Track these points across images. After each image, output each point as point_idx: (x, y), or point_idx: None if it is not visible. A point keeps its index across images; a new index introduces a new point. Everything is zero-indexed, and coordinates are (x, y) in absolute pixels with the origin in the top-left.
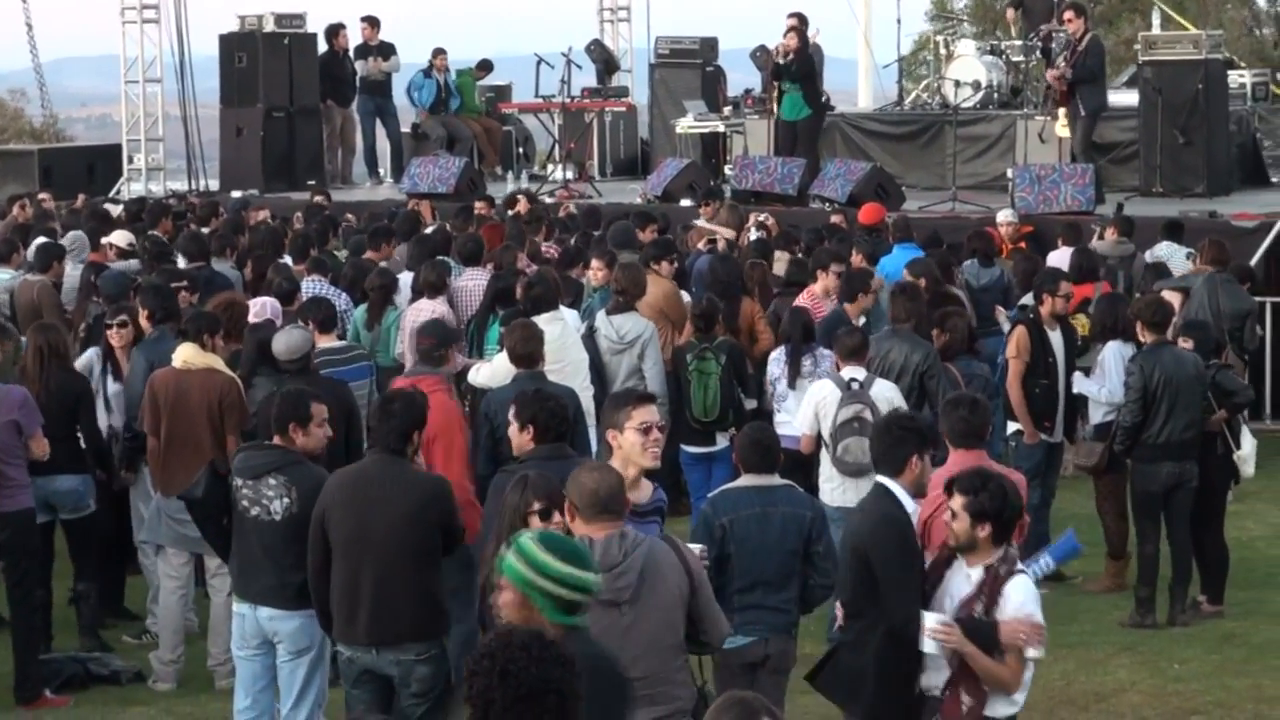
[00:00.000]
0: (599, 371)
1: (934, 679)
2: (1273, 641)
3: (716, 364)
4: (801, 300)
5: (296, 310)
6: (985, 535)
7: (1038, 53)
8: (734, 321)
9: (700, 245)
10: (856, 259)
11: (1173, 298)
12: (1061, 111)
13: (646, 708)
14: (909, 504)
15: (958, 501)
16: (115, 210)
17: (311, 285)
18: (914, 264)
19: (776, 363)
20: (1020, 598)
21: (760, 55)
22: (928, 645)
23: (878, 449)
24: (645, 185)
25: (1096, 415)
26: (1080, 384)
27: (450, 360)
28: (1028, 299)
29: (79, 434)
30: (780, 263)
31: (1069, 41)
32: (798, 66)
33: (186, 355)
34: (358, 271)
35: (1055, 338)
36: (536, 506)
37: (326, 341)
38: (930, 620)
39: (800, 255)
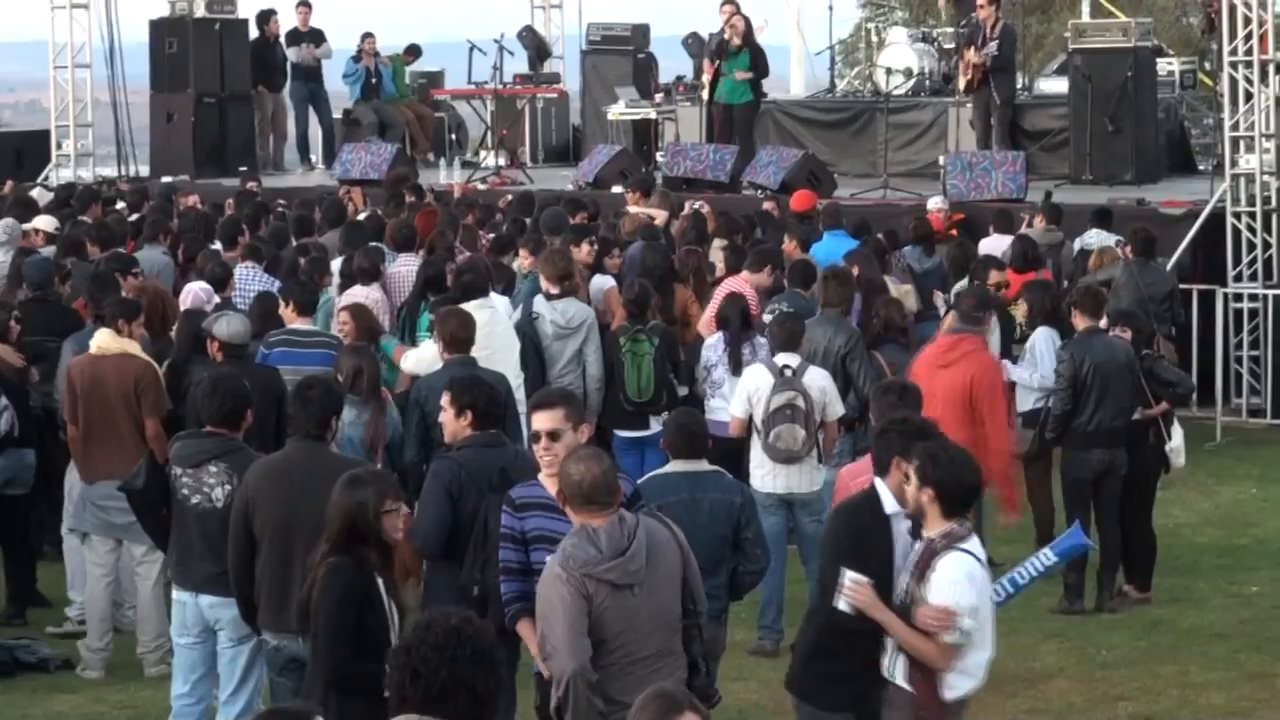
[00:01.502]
0: (539, 356)
1: (891, 663)
2: (1199, 628)
3: (650, 345)
4: (737, 286)
5: (281, 290)
6: (929, 502)
7: (961, 38)
8: (669, 311)
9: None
10: (790, 246)
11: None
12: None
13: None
14: (890, 505)
15: (912, 465)
16: (43, 197)
17: (245, 272)
18: (851, 255)
19: (713, 349)
20: (948, 575)
21: (692, 42)
22: (841, 603)
23: (874, 450)
24: (577, 172)
25: (1026, 402)
26: (1011, 371)
27: (986, 322)
28: (962, 285)
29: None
30: (716, 250)
31: (980, 28)
32: (749, 49)
33: (101, 341)
34: (297, 257)
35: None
36: (391, 505)
37: (301, 323)
38: (846, 578)
39: (740, 243)
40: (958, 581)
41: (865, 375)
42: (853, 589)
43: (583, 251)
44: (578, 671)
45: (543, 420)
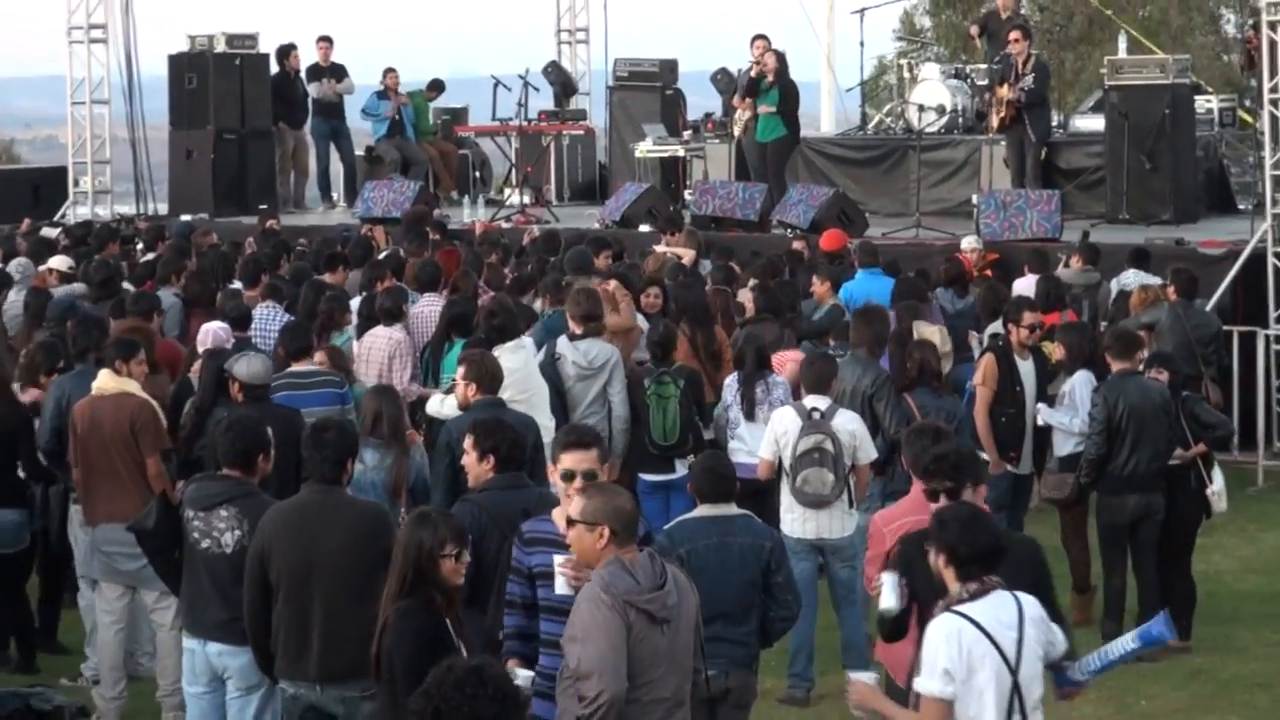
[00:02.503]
0: (561, 398)
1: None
2: (1240, 677)
3: (675, 388)
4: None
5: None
6: (944, 566)
7: (994, 75)
8: (711, 345)
9: (652, 268)
10: (821, 287)
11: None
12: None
13: None
14: None
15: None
16: (53, 234)
17: (266, 311)
18: (900, 306)
19: (729, 389)
20: (930, 635)
21: (721, 78)
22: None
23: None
24: (603, 210)
25: (1064, 446)
26: (1047, 414)
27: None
28: (996, 326)
29: (19, 467)
30: (746, 291)
31: (1012, 64)
32: (780, 86)
33: (101, 383)
34: (314, 295)
35: (1025, 367)
36: (450, 550)
37: (300, 365)
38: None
39: (770, 284)
40: (933, 642)
41: (892, 417)
42: (854, 690)
43: (612, 284)
44: (617, 695)
45: (577, 460)
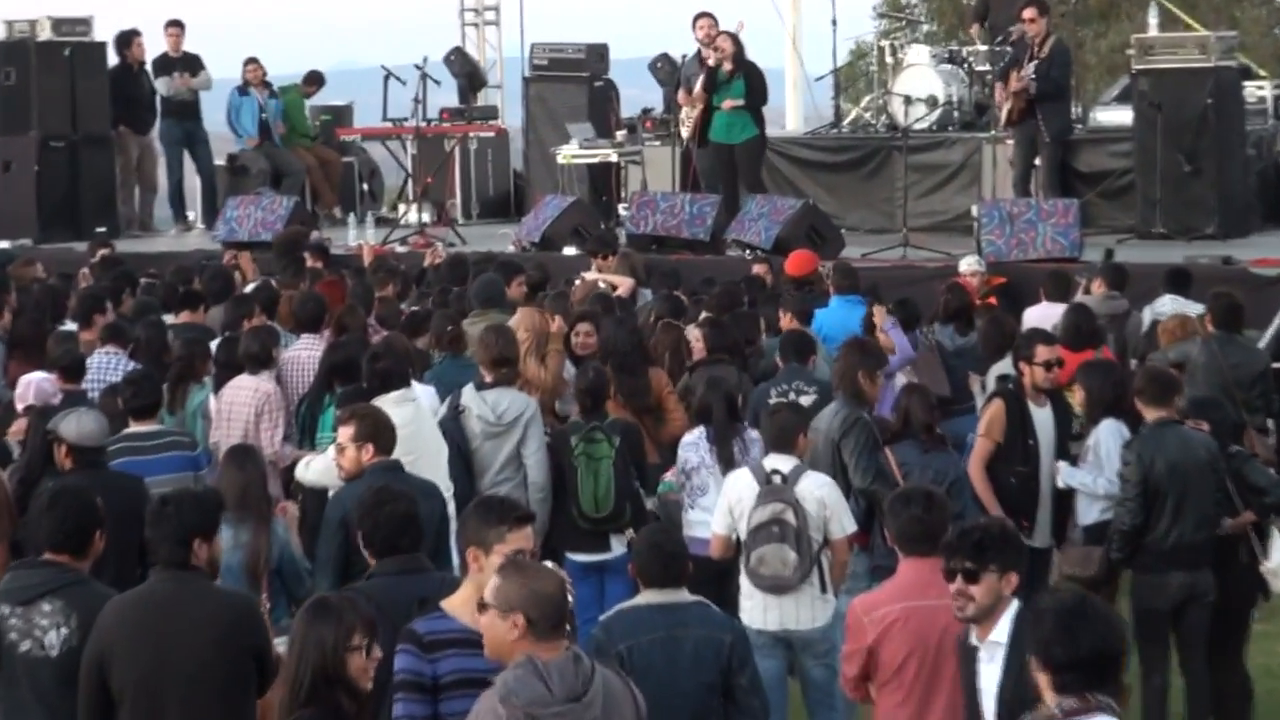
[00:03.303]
0: (466, 461)
1: None
2: None
3: (609, 446)
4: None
5: (109, 388)
6: (1037, 669)
7: (1006, 60)
8: (641, 397)
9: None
10: (787, 319)
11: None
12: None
13: None
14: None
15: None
16: None
17: (104, 358)
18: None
19: (693, 448)
20: None
21: (662, 66)
22: None
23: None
24: (519, 229)
25: (1090, 513)
26: (1068, 475)
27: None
28: (1003, 366)
29: None
30: (692, 327)
31: (1027, 46)
32: (744, 74)
33: None
34: (156, 337)
35: (1041, 416)
36: (359, 641)
37: (140, 426)
38: None
39: (720, 317)
40: None
41: (860, 465)
42: None
43: (555, 323)
44: None
45: (526, 538)
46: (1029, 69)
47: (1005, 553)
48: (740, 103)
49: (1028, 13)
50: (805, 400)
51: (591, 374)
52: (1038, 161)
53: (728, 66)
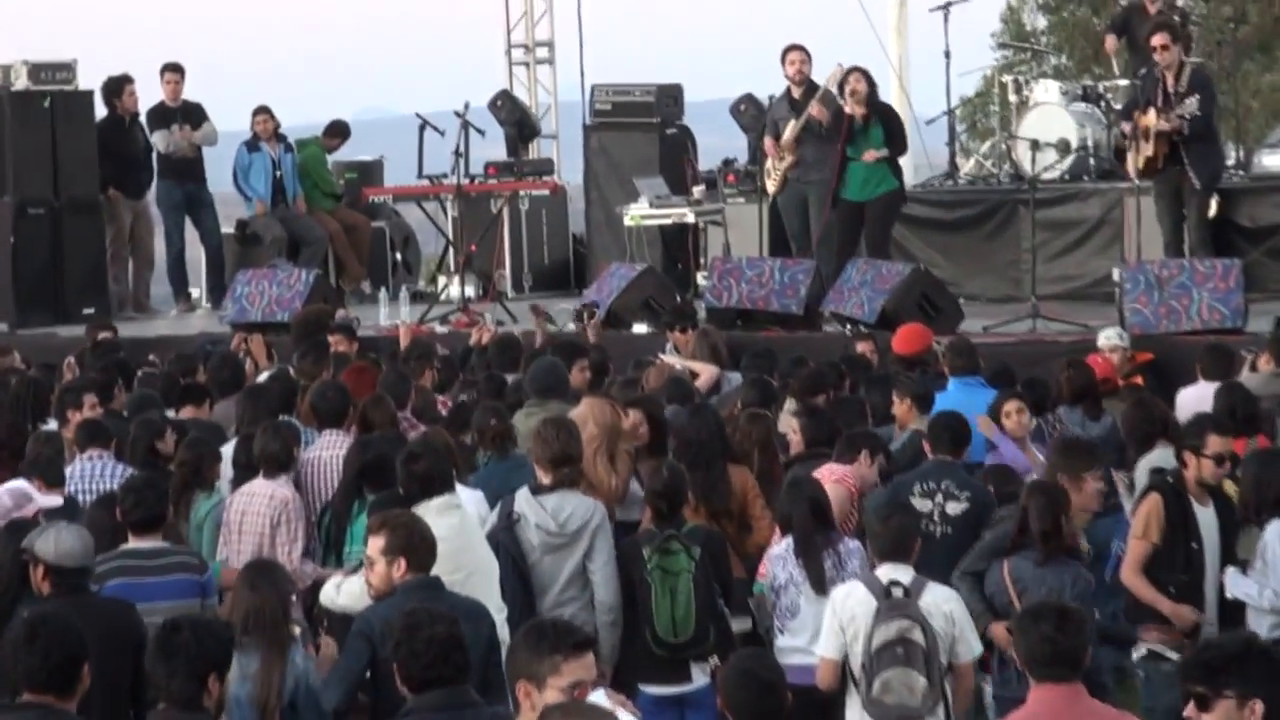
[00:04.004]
0: (523, 579)
1: None
2: None
3: (689, 559)
4: (837, 474)
5: (103, 498)
6: None
7: (1128, 100)
8: (720, 500)
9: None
10: (901, 406)
11: None
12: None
13: None
14: None
15: None
16: None
17: (90, 464)
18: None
19: (779, 561)
20: None
21: (746, 109)
22: None
23: None
24: (581, 303)
25: (1260, 627)
26: (1235, 583)
27: None
28: (1156, 459)
29: None
30: (787, 415)
31: (1157, 79)
32: (878, 118)
33: None
34: (148, 437)
35: (1205, 515)
36: None
37: (141, 542)
38: None
39: (824, 405)
40: None
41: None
42: None
43: (629, 418)
44: None
45: (584, 668)
46: (1191, 104)
47: (1246, 675)
48: (885, 154)
49: (1157, 39)
50: (954, 508)
51: (666, 473)
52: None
53: (861, 111)
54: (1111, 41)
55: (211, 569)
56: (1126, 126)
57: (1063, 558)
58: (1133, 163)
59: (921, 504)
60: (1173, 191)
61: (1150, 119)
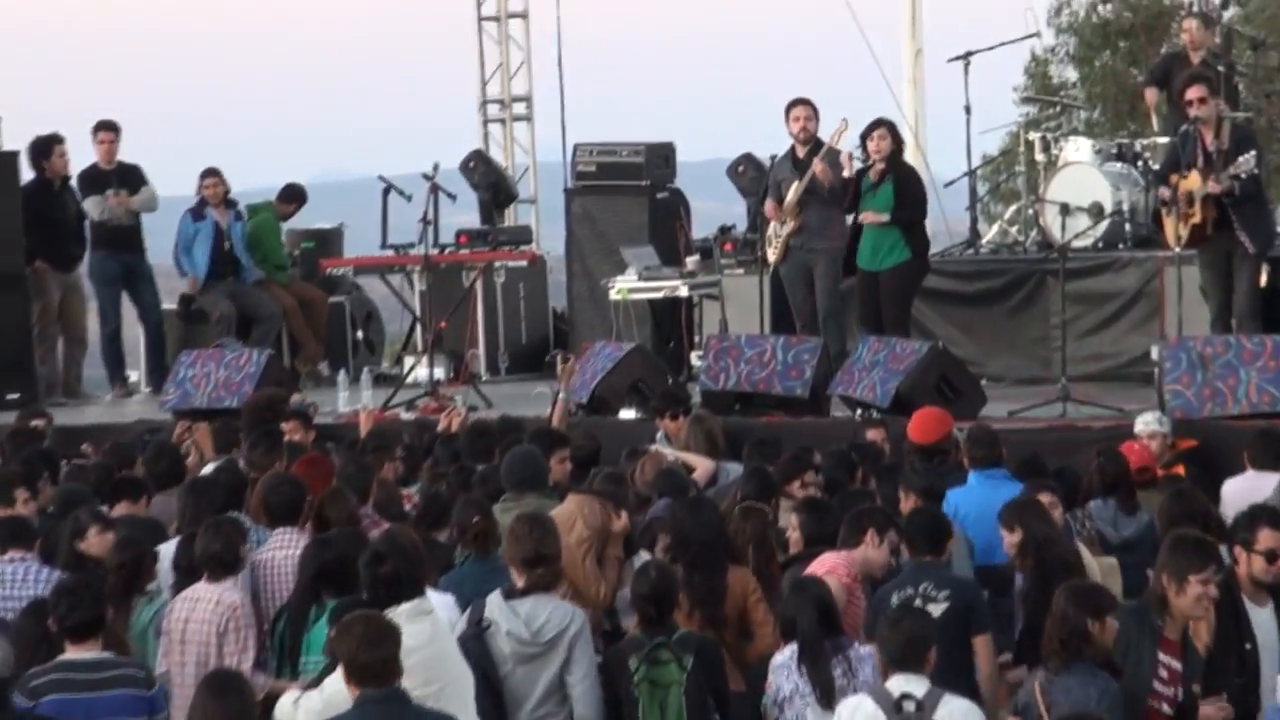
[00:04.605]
0: (495, 692)
1: None
2: None
3: (680, 669)
4: (829, 565)
5: (33, 605)
6: None
7: (1164, 161)
8: (718, 603)
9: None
10: (907, 502)
11: None
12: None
13: None
14: None
15: None
16: None
17: (9, 568)
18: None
19: (783, 671)
20: None
21: (745, 171)
22: None
23: None
24: (563, 382)
25: None
26: None
27: None
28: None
29: None
30: (787, 510)
31: (1193, 136)
32: (892, 177)
33: None
34: (73, 536)
35: (1261, 616)
36: None
37: (80, 652)
38: None
39: (821, 495)
40: None
41: None
42: None
43: (620, 520)
44: None
45: None
46: (1247, 161)
47: None
48: (884, 217)
49: (1192, 91)
50: (936, 610)
51: (655, 574)
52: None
53: (880, 168)
54: (1151, 94)
55: (160, 683)
56: (1165, 192)
57: (1090, 666)
58: (1172, 231)
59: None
60: (1222, 259)
61: (1194, 182)
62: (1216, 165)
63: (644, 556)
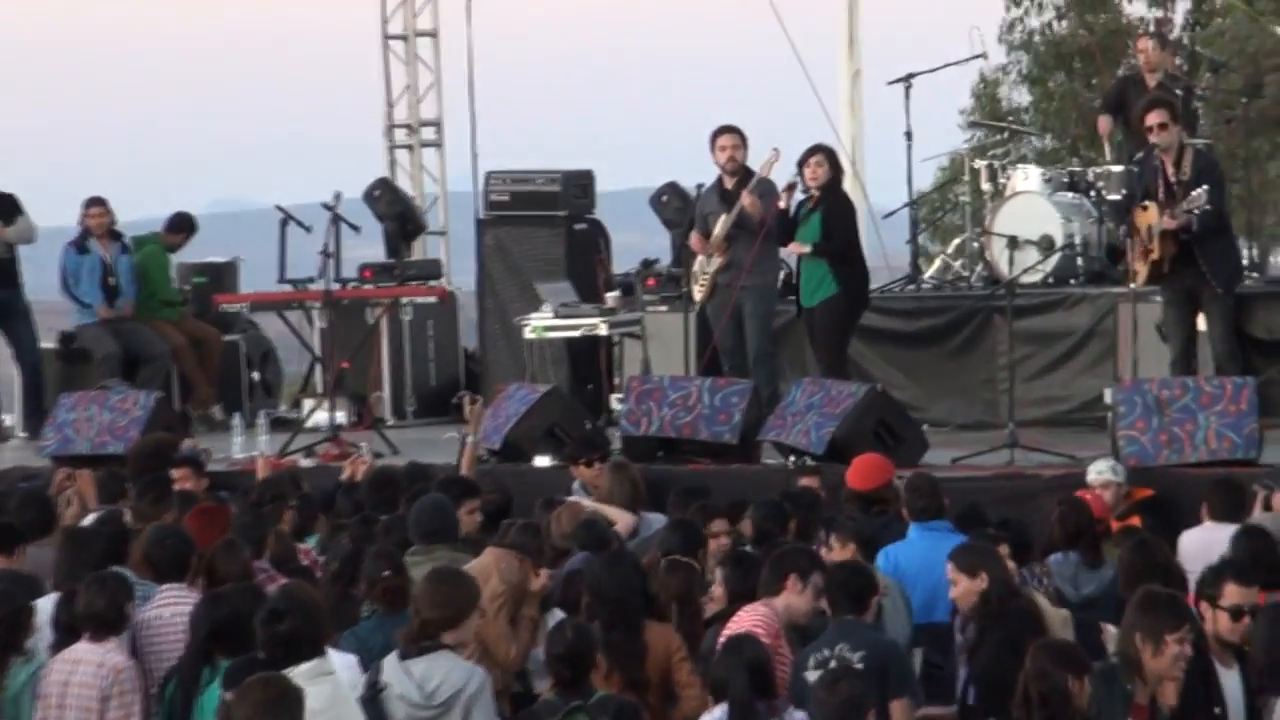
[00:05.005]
0: None
1: None
2: None
3: None
4: (746, 622)
5: None
6: None
7: (1126, 193)
8: (633, 666)
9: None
10: (842, 551)
11: None
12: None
13: None
14: None
15: None
16: None
17: None
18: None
19: None
20: None
21: (669, 201)
22: None
23: None
24: (471, 426)
25: None
26: None
27: None
28: None
29: None
30: (714, 564)
31: (1155, 166)
32: (823, 207)
33: None
34: None
35: (1229, 678)
36: None
37: None
38: None
39: (749, 549)
40: None
41: None
42: None
43: (539, 578)
44: None
45: None
46: (1199, 196)
47: None
48: (805, 249)
49: (1152, 117)
50: None
51: (571, 634)
52: (1202, 326)
53: (815, 194)
54: (1105, 123)
55: None
56: (1165, 218)
57: None
58: (1132, 267)
59: (814, 677)
60: (1185, 298)
61: (1152, 215)
62: (1177, 197)
63: (558, 614)
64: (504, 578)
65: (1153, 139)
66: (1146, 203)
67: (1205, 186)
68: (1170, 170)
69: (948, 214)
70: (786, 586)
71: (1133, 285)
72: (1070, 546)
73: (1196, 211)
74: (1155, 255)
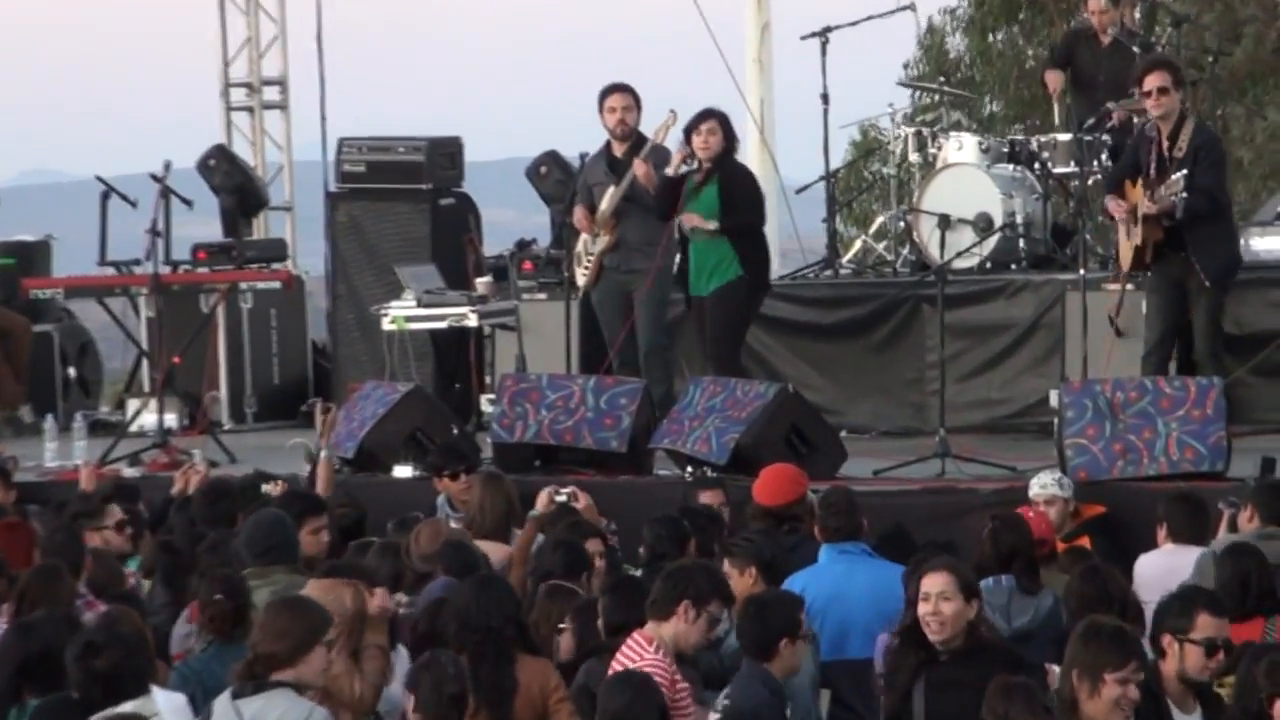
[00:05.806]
0: None
1: None
2: None
3: None
4: (632, 655)
5: None
6: None
7: (1105, 156)
8: (501, 703)
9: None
10: (740, 579)
11: None
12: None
13: None
14: None
15: None
16: None
17: None
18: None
19: None
20: None
21: (548, 172)
22: None
23: None
24: (324, 437)
25: None
26: None
27: None
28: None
29: None
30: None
31: (1151, 138)
32: (719, 176)
33: None
34: None
35: None
36: None
37: None
38: None
39: (638, 572)
40: None
41: None
42: None
43: (375, 599)
44: None
45: None
46: (1177, 180)
47: None
48: (711, 225)
49: (1152, 79)
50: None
51: (436, 668)
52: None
53: (703, 166)
54: (1054, 78)
55: None
56: (1115, 207)
57: None
58: (1125, 255)
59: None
60: (1171, 286)
61: (1136, 195)
62: (1168, 176)
63: (403, 651)
64: (334, 611)
65: (1149, 105)
66: (1139, 181)
67: (1184, 171)
68: (1165, 144)
69: (866, 191)
70: (678, 613)
71: (1123, 275)
72: (1003, 570)
73: (1175, 198)
74: (1137, 241)
